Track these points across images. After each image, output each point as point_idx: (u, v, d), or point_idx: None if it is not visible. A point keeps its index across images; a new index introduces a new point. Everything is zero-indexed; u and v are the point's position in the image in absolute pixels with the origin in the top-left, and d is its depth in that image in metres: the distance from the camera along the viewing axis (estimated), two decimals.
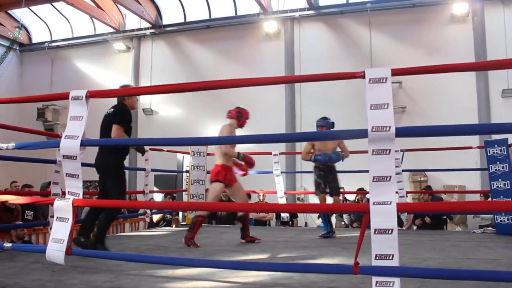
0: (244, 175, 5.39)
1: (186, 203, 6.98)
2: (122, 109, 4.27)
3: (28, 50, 15.27)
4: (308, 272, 3.14)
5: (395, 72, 2.45)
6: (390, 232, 2.28)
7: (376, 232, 2.29)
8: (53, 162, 4.87)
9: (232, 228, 7.25)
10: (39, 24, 14.95)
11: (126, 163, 4.42)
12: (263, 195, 8.91)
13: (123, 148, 4.36)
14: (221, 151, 5.11)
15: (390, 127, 2.32)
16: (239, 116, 5.23)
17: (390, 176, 2.33)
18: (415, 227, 8.20)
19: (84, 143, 2.98)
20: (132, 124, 4.34)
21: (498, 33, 10.46)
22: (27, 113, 13.74)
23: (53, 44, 14.71)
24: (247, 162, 5.24)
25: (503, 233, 5.80)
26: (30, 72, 15.07)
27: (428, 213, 7.64)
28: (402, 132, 2.42)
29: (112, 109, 4.27)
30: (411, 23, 11.34)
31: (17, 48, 15.09)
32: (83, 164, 3.03)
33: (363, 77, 2.44)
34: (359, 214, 7.71)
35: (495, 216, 6.05)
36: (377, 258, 2.29)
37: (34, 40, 15.38)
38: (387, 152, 2.34)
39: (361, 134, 2.42)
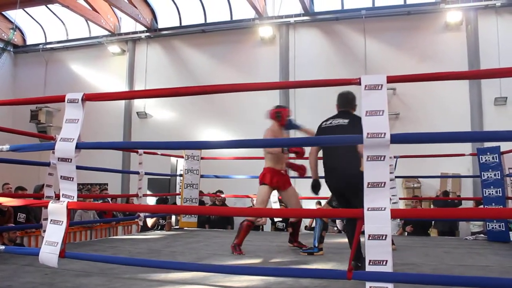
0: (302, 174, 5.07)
1: (179, 206, 6.97)
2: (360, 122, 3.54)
3: (22, 51, 15.18)
4: (301, 277, 3.15)
5: (391, 79, 2.47)
6: (384, 238, 2.30)
7: (370, 238, 2.31)
8: (47, 164, 4.83)
9: (225, 232, 7.24)
10: (34, 25, 14.88)
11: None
12: (256, 200, 8.89)
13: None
14: (266, 151, 4.93)
15: (385, 133, 2.34)
16: (278, 116, 5.01)
17: (385, 182, 2.36)
18: (405, 233, 8.24)
19: (80, 146, 2.97)
20: None
21: (491, 42, 10.56)
22: (20, 115, 13.63)
23: (48, 46, 14.63)
24: (296, 152, 4.89)
25: (494, 240, 5.83)
26: (24, 73, 14.98)
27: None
28: (397, 139, 2.44)
29: (347, 120, 3.73)
30: (405, 30, 11.43)
31: (11, 50, 14.99)
32: (77, 167, 3.02)
33: (359, 83, 2.47)
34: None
35: (487, 223, 6.08)
36: (371, 263, 2.31)
37: (28, 42, 15.30)
38: (382, 159, 2.36)
39: (356, 140, 2.44)
